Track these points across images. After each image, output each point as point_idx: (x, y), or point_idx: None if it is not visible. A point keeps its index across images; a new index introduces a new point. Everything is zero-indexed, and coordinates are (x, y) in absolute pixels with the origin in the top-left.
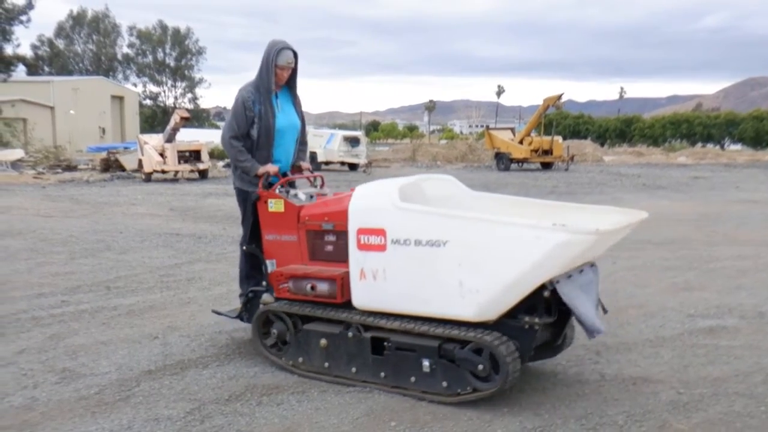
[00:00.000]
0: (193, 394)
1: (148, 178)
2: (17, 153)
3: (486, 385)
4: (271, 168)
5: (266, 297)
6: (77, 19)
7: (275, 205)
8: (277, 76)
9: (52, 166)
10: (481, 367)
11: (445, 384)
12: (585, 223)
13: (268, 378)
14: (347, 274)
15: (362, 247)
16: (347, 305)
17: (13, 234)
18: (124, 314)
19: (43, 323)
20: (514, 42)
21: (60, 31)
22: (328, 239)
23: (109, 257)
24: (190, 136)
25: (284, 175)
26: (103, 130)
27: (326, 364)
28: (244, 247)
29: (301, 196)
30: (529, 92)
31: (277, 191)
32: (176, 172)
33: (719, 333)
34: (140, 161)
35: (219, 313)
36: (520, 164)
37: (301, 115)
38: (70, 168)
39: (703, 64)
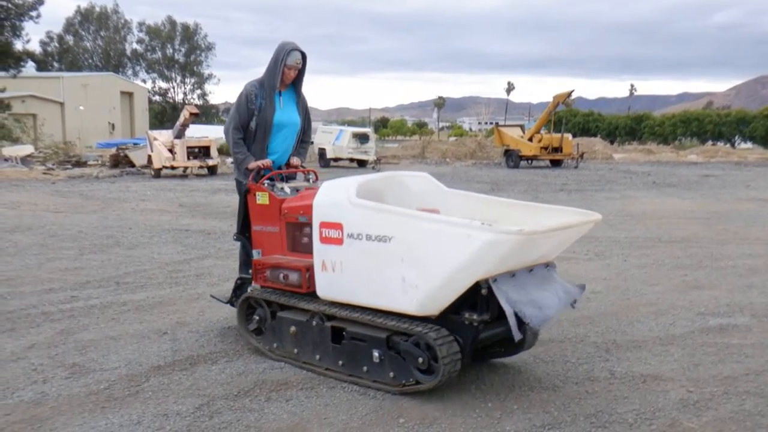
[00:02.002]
0: (202, 390)
1: (157, 174)
2: (27, 149)
3: (427, 378)
4: (264, 162)
5: (254, 285)
6: (85, 15)
7: (262, 198)
8: (285, 75)
9: (62, 162)
10: (421, 360)
11: (392, 374)
12: (527, 223)
13: (277, 374)
14: (311, 265)
15: (324, 240)
16: (314, 295)
17: (23, 229)
18: (134, 310)
19: (52, 318)
20: (524, 38)
21: (69, 27)
22: (304, 231)
23: (119, 253)
24: (199, 132)
25: (278, 169)
26: (113, 126)
27: (296, 351)
28: (235, 236)
29: (287, 189)
30: (539, 89)
31: (264, 184)
32: (185, 168)
33: (730, 331)
34: (149, 157)
35: (214, 298)
36: (530, 161)
37: (304, 115)
38: (80, 164)
39: (714, 61)
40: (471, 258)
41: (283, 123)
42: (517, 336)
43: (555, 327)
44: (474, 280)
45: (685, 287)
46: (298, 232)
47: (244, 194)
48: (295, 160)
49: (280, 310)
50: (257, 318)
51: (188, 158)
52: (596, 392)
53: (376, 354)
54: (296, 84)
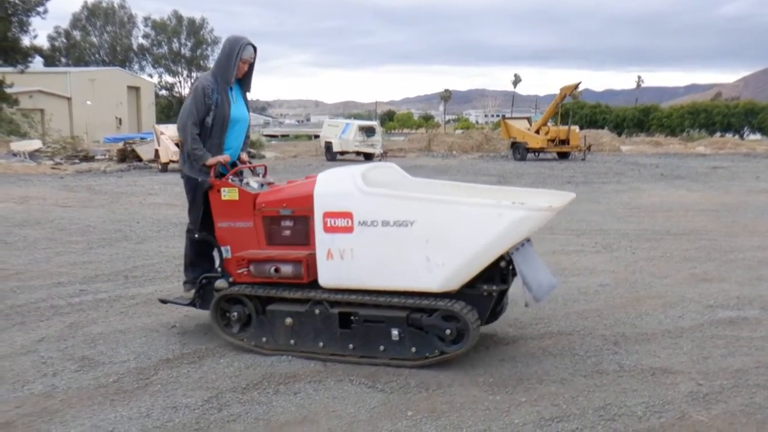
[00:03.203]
0: (211, 383)
1: (164, 168)
2: (35, 143)
3: (454, 347)
4: (223, 158)
5: (220, 283)
6: (92, 10)
7: (229, 194)
8: (238, 69)
9: (70, 157)
10: (449, 331)
11: (414, 350)
12: (535, 201)
13: (285, 367)
14: (312, 255)
15: (329, 229)
16: (310, 285)
17: (31, 224)
18: (142, 303)
19: (62, 312)
20: (531, 30)
21: (76, 22)
22: (286, 224)
23: (127, 247)
24: None
25: (233, 164)
26: (120, 121)
27: (292, 342)
28: (197, 235)
29: (253, 184)
30: (545, 81)
31: (230, 180)
32: (247, 160)
33: (740, 324)
34: (156, 151)
35: (167, 302)
36: (537, 154)
37: (248, 110)
38: (88, 158)
39: (723, 52)
40: (501, 234)
41: (237, 118)
42: (533, 303)
43: (563, 319)
44: (499, 254)
45: (694, 280)
46: (277, 225)
47: (205, 191)
48: (244, 156)
49: (268, 304)
50: (236, 315)
51: None
52: (605, 385)
53: (395, 332)
54: (245, 79)
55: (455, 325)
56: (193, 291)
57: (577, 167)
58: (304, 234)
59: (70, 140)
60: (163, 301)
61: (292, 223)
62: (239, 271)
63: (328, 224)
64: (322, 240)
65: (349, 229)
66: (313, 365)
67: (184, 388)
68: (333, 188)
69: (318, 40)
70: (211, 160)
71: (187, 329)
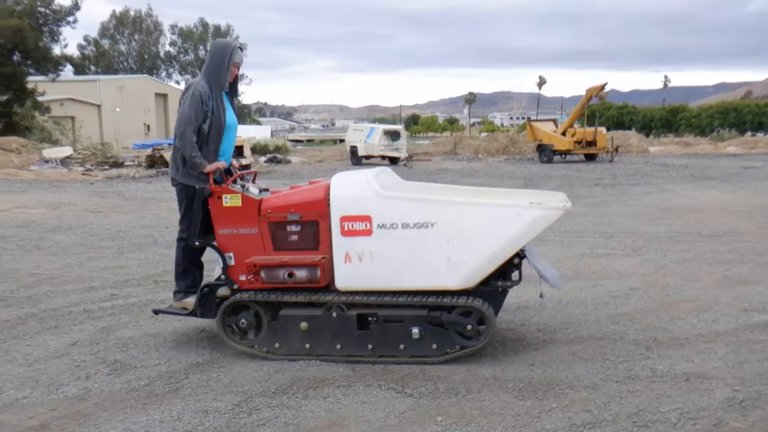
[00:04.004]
0: (240, 387)
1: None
2: (66, 150)
3: (472, 342)
4: (221, 164)
5: (222, 291)
6: (120, 19)
7: (231, 200)
8: (231, 74)
9: (100, 163)
10: (469, 327)
11: (434, 346)
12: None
13: (314, 371)
14: (325, 259)
15: (346, 233)
16: (321, 288)
17: (64, 229)
18: None
19: (94, 316)
20: (556, 32)
21: (104, 31)
22: (294, 229)
23: (156, 251)
24: None
25: (227, 171)
26: (148, 127)
27: (307, 345)
28: (197, 242)
29: (253, 190)
30: (571, 83)
31: (231, 186)
32: (239, 167)
33: None
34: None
35: (160, 312)
36: (563, 156)
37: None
38: (117, 165)
39: (752, 49)
40: (519, 233)
41: (230, 125)
42: (558, 287)
43: (593, 324)
44: (515, 252)
45: (727, 283)
46: (284, 230)
47: (204, 198)
48: (234, 162)
49: (280, 310)
50: (245, 322)
51: None
52: (638, 391)
53: (415, 330)
54: (233, 84)
55: (475, 321)
56: (185, 300)
57: (604, 169)
58: (312, 238)
59: (100, 147)
60: (157, 312)
61: (300, 228)
62: (244, 278)
63: (346, 228)
64: (339, 243)
65: (367, 232)
66: (342, 369)
67: (214, 392)
68: (350, 192)
69: (342, 45)
70: (209, 168)
71: (216, 334)
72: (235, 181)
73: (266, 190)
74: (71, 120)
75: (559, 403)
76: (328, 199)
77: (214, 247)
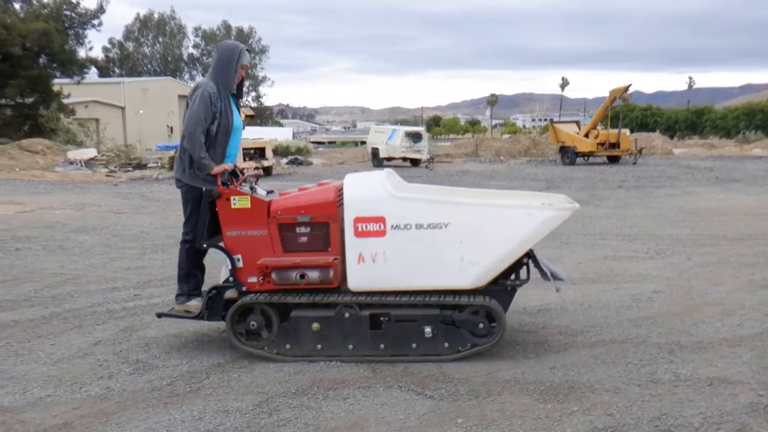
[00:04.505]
0: (261, 387)
1: (241, 172)
2: (90, 152)
3: (484, 340)
4: (228, 166)
5: (230, 293)
6: (144, 22)
7: (240, 202)
8: (238, 76)
9: (123, 165)
10: (481, 325)
11: (446, 344)
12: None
13: (334, 372)
14: (337, 260)
15: (360, 234)
16: (335, 289)
17: (87, 230)
18: None
19: (117, 316)
20: (578, 33)
21: (129, 34)
22: (304, 231)
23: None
24: (254, 134)
25: (233, 173)
26: (171, 129)
27: (319, 346)
28: (204, 245)
29: (261, 191)
30: (594, 84)
31: (240, 188)
32: (241, 169)
33: None
34: None
35: (164, 316)
36: (586, 158)
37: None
38: (140, 166)
39: None
40: (531, 233)
41: (237, 126)
42: (563, 281)
43: (615, 327)
44: (525, 251)
45: (752, 286)
46: (293, 232)
47: (213, 200)
48: (229, 165)
49: (290, 311)
50: (254, 324)
51: (244, 159)
52: (660, 395)
53: (428, 330)
54: (238, 86)
55: (486, 319)
56: (188, 303)
57: (628, 171)
58: (323, 240)
59: (124, 148)
60: (161, 315)
61: (310, 230)
62: (255, 280)
63: (360, 229)
64: (353, 244)
65: (381, 233)
66: (362, 371)
67: (235, 392)
68: (364, 194)
69: (363, 46)
70: (217, 169)
71: None
72: (244, 182)
73: (272, 191)
74: (95, 122)
75: (580, 407)
76: (339, 201)
77: (222, 249)
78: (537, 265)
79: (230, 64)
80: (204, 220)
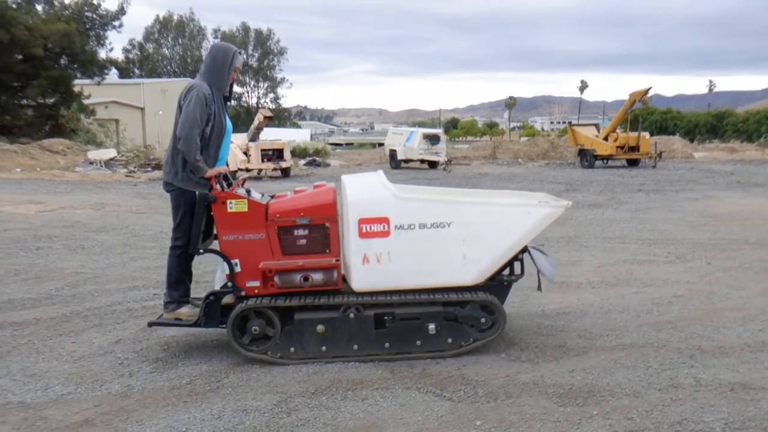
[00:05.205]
0: (280, 387)
1: (232, 175)
2: (110, 152)
3: (486, 334)
4: (222, 169)
5: (227, 298)
6: (164, 24)
7: (236, 206)
8: (231, 78)
9: (143, 165)
10: (483, 320)
11: (450, 340)
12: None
13: (352, 373)
14: (339, 261)
15: (364, 235)
16: (336, 291)
17: (107, 230)
18: None
19: (136, 315)
20: (598, 35)
21: (149, 35)
22: (303, 233)
23: None
24: (272, 135)
25: (224, 176)
26: None
27: (323, 348)
28: (201, 250)
29: (256, 195)
30: (613, 87)
31: (236, 191)
32: (260, 170)
33: None
34: None
35: (155, 325)
36: (605, 161)
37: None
38: (159, 166)
39: None
40: (529, 229)
41: (229, 129)
42: (552, 280)
43: (635, 331)
44: (523, 247)
45: None
46: (292, 234)
47: (208, 204)
48: (223, 168)
49: (294, 314)
50: (257, 329)
51: (262, 160)
52: (681, 399)
53: (431, 326)
54: (230, 88)
55: (488, 314)
56: (178, 311)
57: (647, 174)
58: (322, 242)
59: (143, 149)
60: (152, 324)
61: (309, 232)
62: (257, 284)
63: (364, 230)
64: (357, 246)
65: (385, 234)
66: (380, 372)
67: (254, 391)
68: (368, 195)
69: (381, 48)
70: (211, 172)
71: None
72: (239, 186)
73: (262, 195)
74: (115, 122)
75: (600, 410)
76: (340, 202)
77: (218, 253)
78: (531, 257)
79: (224, 66)
80: (199, 225)
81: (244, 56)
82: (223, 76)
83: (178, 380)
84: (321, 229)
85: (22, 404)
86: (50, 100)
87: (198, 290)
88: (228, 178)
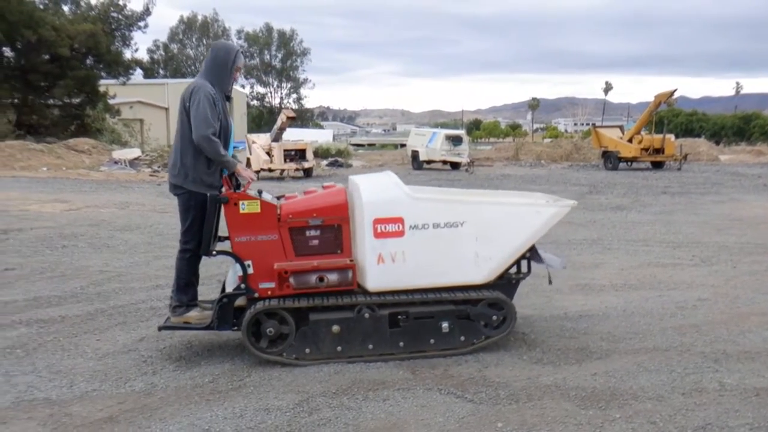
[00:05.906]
0: (301, 387)
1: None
2: (135, 152)
3: (497, 331)
4: (241, 168)
5: (239, 300)
6: (188, 24)
7: (249, 207)
8: (233, 78)
9: (167, 165)
10: (495, 318)
11: (462, 338)
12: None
13: (374, 373)
14: (353, 262)
15: (379, 235)
16: (351, 291)
17: (131, 228)
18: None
19: (160, 313)
20: (623, 36)
21: (173, 35)
22: (316, 234)
23: None
24: (295, 136)
25: (228, 175)
26: None
27: (339, 348)
28: (214, 252)
29: (267, 195)
30: (638, 89)
31: (248, 192)
32: (282, 170)
33: None
34: (248, 160)
35: (166, 329)
36: (629, 163)
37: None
38: None
39: None
40: (538, 228)
41: (233, 128)
42: (563, 267)
43: (659, 334)
44: (531, 245)
45: None
46: (304, 235)
47: (219, 205)
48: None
49: (308, 315)
50: (271, 330)
51: (285, 161)
52: (705, 404)
53: (445, 325)
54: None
55: (500, 312)
56: (187, 314)
57: (672, 177)
58: (335, 242)
59: (167, 149)
60: (162, 329)
61: (322, 233)
62: (273, 285)
63: (379, 230)
64: (372, 246)
65: (400, 234)
66: (401, 372)
67: (276, 390)
68: (383, 196)
69: (404, 49)
70: (240, 167)
71: None
72: (237, 187)
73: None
74: (140, 122)
75: (622, 414)
76: (351, 203)
77: (232, 255)
78: (536, 255)
79: (226, 66)
80: (211, 227)
81: (294, 56)
82: (226, 76)
83: (201, 378)
84: (333, 229)
85: (47, 401)
86: (76, 100)
87: (204, 293)
88: (237, 180)
